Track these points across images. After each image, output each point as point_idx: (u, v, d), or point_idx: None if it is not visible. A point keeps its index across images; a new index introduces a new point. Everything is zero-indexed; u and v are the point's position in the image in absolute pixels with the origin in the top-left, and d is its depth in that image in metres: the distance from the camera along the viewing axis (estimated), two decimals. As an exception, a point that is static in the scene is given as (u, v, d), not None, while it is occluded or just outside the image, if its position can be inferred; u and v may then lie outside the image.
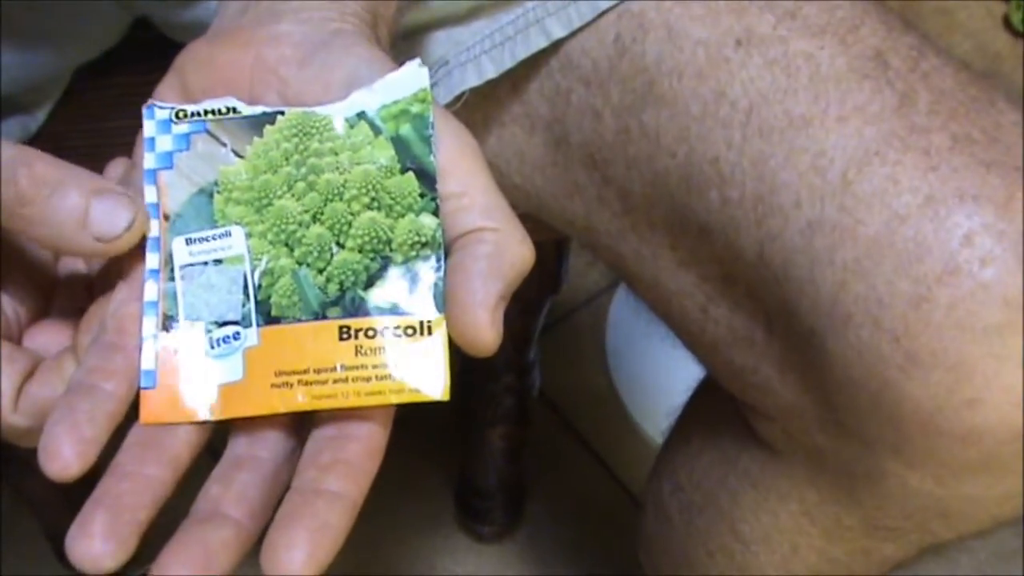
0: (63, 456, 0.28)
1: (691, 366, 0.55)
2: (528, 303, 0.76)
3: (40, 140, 0.57)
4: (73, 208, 0.31)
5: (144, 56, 0.57)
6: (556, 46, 0.47)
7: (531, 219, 0.55)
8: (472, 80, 0.47)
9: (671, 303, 0.49)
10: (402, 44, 0.49)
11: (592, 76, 0.46)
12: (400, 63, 0.33)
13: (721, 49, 0.42)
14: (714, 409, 0.54)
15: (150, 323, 0.32)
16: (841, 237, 0.39)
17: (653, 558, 0.63)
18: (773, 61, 0.42)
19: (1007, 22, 0.72)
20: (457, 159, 0.32)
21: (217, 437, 0.32)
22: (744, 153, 0.42)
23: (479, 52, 0.47)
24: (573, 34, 0.46)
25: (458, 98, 0.48)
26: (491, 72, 0.47)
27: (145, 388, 0.31)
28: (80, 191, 0.31)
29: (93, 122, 0.55)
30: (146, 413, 0.31)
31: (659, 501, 0.60)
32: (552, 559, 1.00)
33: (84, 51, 0.55)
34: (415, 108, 0.32)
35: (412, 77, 0.33)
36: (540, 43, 0.46)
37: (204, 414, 0.31)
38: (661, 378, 1.05)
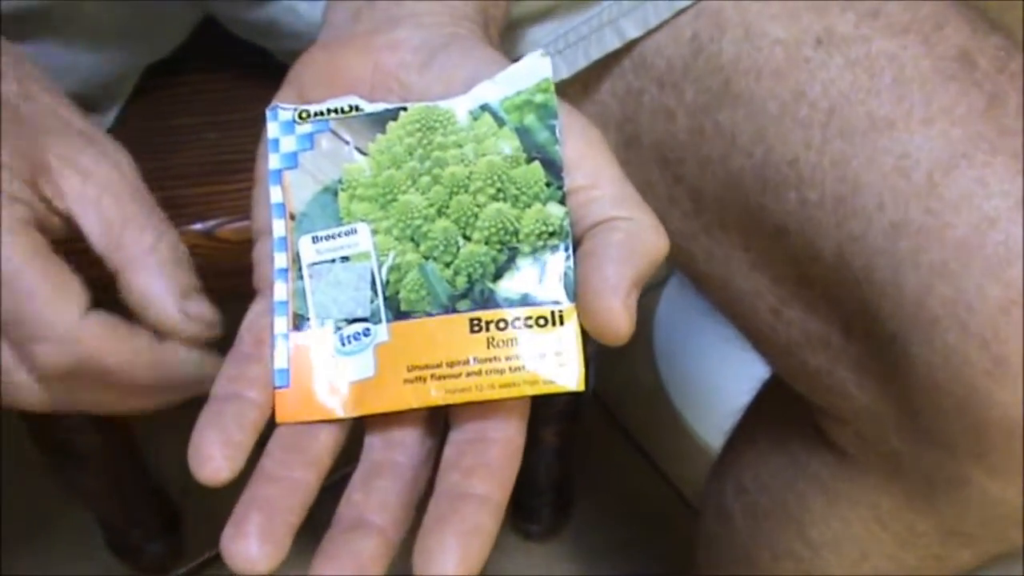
0: (214, 460, 0.28)
1: (740, 367, 0.54)
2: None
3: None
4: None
5: (212, 55, 0.58)
6: (629, 46, 0.46)
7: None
8: (545, 80, 0.47)
9: (742, 304, 0.48)
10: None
11: (666, 76, 0.46)
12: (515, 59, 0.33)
13: (800, 48, 0.42)
14: (781, 411, 0.54)
15: (281, 323, 0.32)
16: (927, 239, 0.39)
17: (713, 559, 0.62)
18: (855, 61, 0.41)
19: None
20: (584, 152, 0.32)
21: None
22: (824, 154, 0.41)
23: (552, 52, 0.47)
24: (647, 34, 0.46)
25: None
26: (564, 72, 0.47)
27: (279, 387, 0.31)
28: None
29: (163, 120, 0.56)
30: (281, 412, 0.31)
31: (721, 502, 0.59)
32: (600, 558, 0.99)
33: (154, 50, 0.55)
34: (538, 98, 0.32)
35: (534, 67, 0.33)
36: (614, 43, 0.46)
37: (338, 412, 0.31)
38: (710, 376, 1.05)
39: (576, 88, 0.49)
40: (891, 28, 0.41)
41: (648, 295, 1.14)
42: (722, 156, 0.45)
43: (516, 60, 0.33)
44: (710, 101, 0.44)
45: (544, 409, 0.86)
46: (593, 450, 1.03)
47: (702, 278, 0.50)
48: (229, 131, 0.55)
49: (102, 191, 0.35)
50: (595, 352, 0.84)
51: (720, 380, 0.93)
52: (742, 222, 0.46)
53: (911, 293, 0.39)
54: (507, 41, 0.48)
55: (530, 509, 0.97)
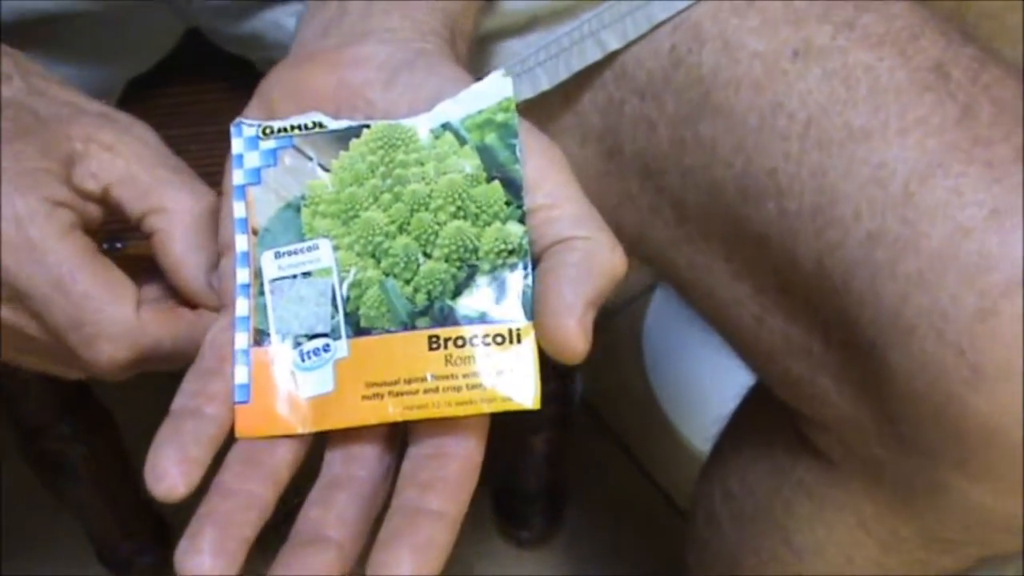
0: (170, 476, 0.29)
1: (730, 373, 0.54)
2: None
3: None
4: None
5: (196, 67, 0.58)
6: (610, 58, 0.47)
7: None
8: (526, 92, 0.47)
9: (726, 312, 0.49)
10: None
11: (647, 87, 0.46)
12: (479, 76, 0.34)
13: (778, 61, 0.42)
14: (766, 418, 0.54)
15: (242, 338, 0.32)
16: (903, 249, 0.39)
17: (702, 563, 0.63)
18: (832, 72, 0.41)
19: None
20: (545, 171, 0.32)
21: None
22: (802, 165, 0.42)
23: (533, 64, 0.47)
24: (628, 46, 0.46)
25: None
26: (545, 84, 0.47)
27: (239, 403, 0.31)
28: None
29: (147, 133, 0.56)
30: (241, 427, 0.31)
31: (710, 507, 0.60)
32: (591, 564, 1.00)
33: (138, 63, 0.55)
34: (500, 117, 0.33)
35: (496, 87, 0.33)
36: (595, 55, 0.46)
37: (297, 427, 0.31)
38: (700, 383, 1.05)
39: (557, 99, 0.49)
40: (867, 40, 0.41)
41: (638, 302, 1.15)
42: (703, 167, 0.45)
43: (480, 78, 0.33)
44: (690, 112, 0.45)
45: (534, 416, 0.86)
46: (583, 457, 1.04)
47: (686, 287, 0.51)
48: (212, 143, 0.55)
49: (131, 161, 0.36)
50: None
51: (710, 386, 0.93)
52: (724, 232, 0.46)
53: (888, 302, 0.39)
54: (487, 53, 0.48)
55: (521, 516, 0.98)
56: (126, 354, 0.35)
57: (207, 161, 0.55)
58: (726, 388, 0.60)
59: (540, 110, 0.50)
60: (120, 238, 0.49)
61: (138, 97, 0.57)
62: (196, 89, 0.58)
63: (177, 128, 0.57)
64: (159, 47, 0.55)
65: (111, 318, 0.34)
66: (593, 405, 1.07)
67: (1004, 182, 0.38)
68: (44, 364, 0.38)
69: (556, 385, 0.83)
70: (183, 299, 0.37)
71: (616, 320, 1.13)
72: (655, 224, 0.49)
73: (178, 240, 0.36)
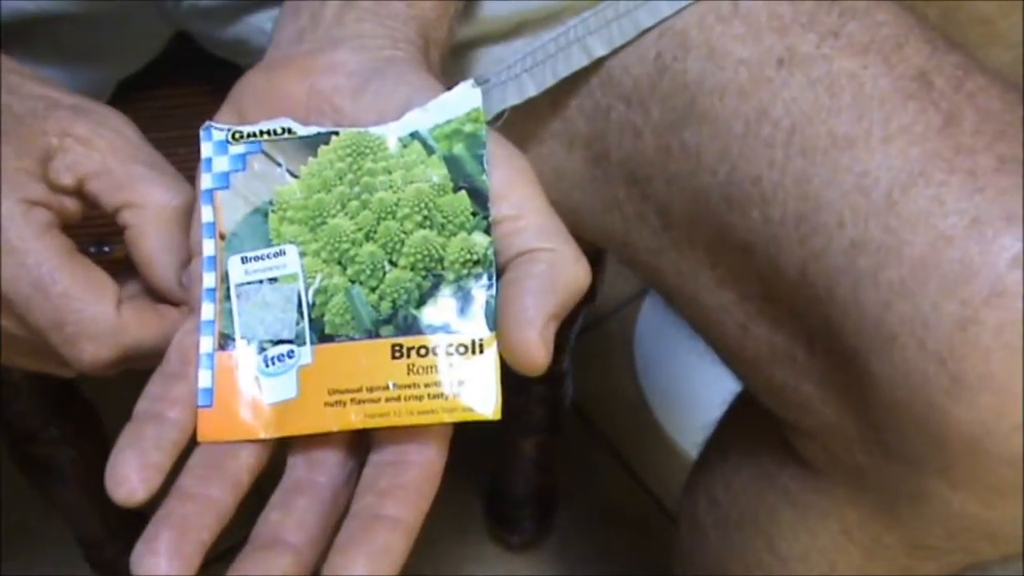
0: (130, 481, 0.29)
1: (721, 379, 0.54)
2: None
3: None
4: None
5: (184, 69, 0.58)
6: (597, 64, 0.47)
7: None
8: (513, 98, 0.47)
9: (710, 319, 0.49)
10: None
11: (633, 94, 0.46)
12: (451, 85, 0.34)
13: (763, 68, 0.42)
14: (752, 425, 0.54)
15: (207, 342, 0.32)
16: (886, 257, 0.39)
17: (688, 571, 0.63)
18: (816, 80, 0.41)
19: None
20: (511, 182, 0.32)
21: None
22: (786, 172, 0.42)
23: (520, 70, 0.47)
24: (614, 52, 0.46)
25: (499, 116, 0.48)
26: (532, 90, 0.47)
27: (203, 407, 0.31)
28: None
29: (135, 136, 0.56)
30: (203, 431, 0.31)
31: (694, 515, 0.60)
32: (581, 567, 1.00)
33: (126, 65, 0.55)
34: (468, 128, 0.33)
35: (465, 97, 0.33)
36: (581, 61, 0.46)
37: (260, 432, 0.31)
38: (690, 388, 1.05)
39: (544, 105, 0.49)
40: (852, 48, 0.41)
41: (629, 307, 1.15)
42: (688, 174, 0.45)
43: (449, 88, 0.34)
44: (676, 119, 0.45)
45: (524, 420, 0.86)
46: (574, 461, 1.04)
47: (671, 293, 0.51)
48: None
49: (106, 154, 0.36)
50: (571, 365, 0.85)
51: (701, 391, 0.93)
52: (709, 239, 0.46)
53: (871, 310, 0.39)
54: (473, 59, 0.48)
55: (511, 520, 0.98)
56: (108, 353, 0.35)
57: (194, 164, 0.55)
58: (717, 393, 0.60)
59: (528, 115, 0.50)
60: (108, 242, 0.49)
61: (126, 99, 0.57)
62: (184, 92, 0.58)
63: (165, 131, 0.57)
64: (147, 49, 0.56)
65: (92, 317, 0.34)
66: (584, 409, 1.07)
67: (986, 191, 0.38)
68: (38, 364, 0.38)
69: (545, 389, 0.83)
70: (157, 295, 0.37)
71: (607, 324, 1.13)
72: (641, 230, 0.49)
73: (150, 236, 0.36)
